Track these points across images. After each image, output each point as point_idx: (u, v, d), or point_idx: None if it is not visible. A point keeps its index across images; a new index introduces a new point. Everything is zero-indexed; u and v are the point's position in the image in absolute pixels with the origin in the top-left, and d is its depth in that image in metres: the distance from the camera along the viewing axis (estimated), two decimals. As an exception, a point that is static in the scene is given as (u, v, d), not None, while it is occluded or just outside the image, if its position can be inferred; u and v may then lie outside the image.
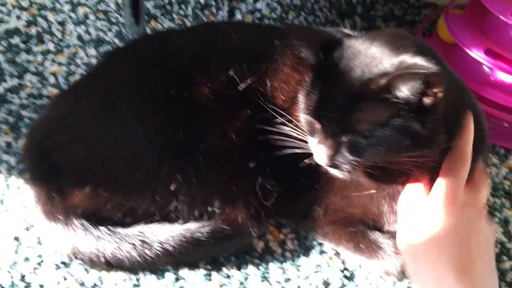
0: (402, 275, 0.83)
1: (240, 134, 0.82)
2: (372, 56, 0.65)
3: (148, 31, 1.22)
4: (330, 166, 0.68)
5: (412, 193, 0.72)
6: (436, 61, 0.63)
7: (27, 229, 0.85)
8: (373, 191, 0.77)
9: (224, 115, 0.82)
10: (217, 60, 0.86)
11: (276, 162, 0.80)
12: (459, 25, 1.16)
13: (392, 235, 0.82)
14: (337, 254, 0.89)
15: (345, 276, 0.86)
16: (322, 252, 0.89)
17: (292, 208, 0.87)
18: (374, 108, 0.63)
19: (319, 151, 0.68)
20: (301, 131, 0.74)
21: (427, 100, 0.62)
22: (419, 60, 0.61)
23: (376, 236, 0.83)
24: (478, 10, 1.15)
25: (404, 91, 0.61)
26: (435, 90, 0.61)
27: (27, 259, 0.82)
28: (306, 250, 0.89)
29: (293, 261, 0.87)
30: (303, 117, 0.72)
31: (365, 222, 0.84)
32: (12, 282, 0.79)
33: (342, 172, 0.70)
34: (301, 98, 0.72)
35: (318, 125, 0.68)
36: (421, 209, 0.70)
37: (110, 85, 0.85)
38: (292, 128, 0.76)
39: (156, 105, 0.82)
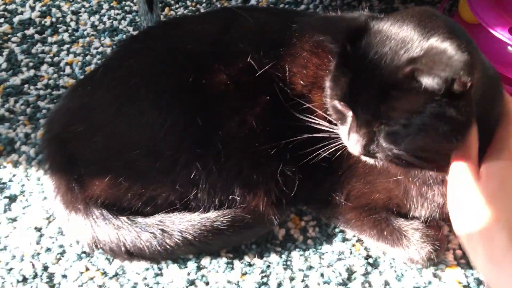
0: (427, 262, 0.81)
1: (259, 121, 0.80)
2: (401, 41, 0.61)
3: (162, 18, 1.21)
4: (364, 155, 0.66)
5: (463, 174, 0.66)
6: (467, 43, 0.60)
7: (48, 219, 0.86)
8: (401, 176, 0.75)
9: (243, 102, 0.81)
10: (234, 46, 0.84)
11: (297, 148, 0.78)
12: (482, 4, 1.12)
13: (420, 221, 0.81)
14: (360, 241, 0.87)
15: (369, 263, 0.84)
16: (345, 239, 0.87)
17: (314, 194, 0.86)
18: (407, 96, 0.60)
19: (352, 140, 0.65)
20: (322, 116, 0.73)
21: (456, 87, 0.59)
22: (448, 46, 0.56)
23: (400, 223, 0.82)
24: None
25: (428, 82, 0.58)
26: (463, 80, 0.57)
27: (49, 249, 0.82)
28: (328, 237, 0.88)
29: (315, 248, 0.86)
30: (331, 105, 0.69)
31: (389, 208, 0.82)
32: (35, 273, 0.79)
33: (376, 161, 0.68)
34: (328, 85, 0.70)
35: (350, 114, 0.66)
36: (473, 193, 0.64)
37: (127, 74, 0.84)
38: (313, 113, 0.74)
39: (174, 93, 0.81)
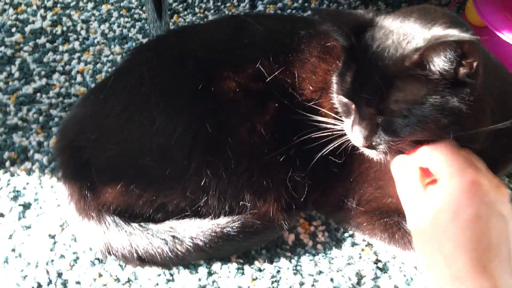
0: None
1: (268, 127, 0.81)
2: (404, 33, 0.63)
3: (171, 26, 1.22)
4: (366, 147, 0.67)
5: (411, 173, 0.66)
6: (468, 30, 0.61)
7: (62, 227, 0.87)
8: None
9: (252, 109, 0.82)
10: (243, 53, 0.85)
11: (307, 154, 0.79)
12: (489, 7, 1.12)
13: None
14: (369, 245, 0.88)
15: (378, 268, 0.85)
16: (354, 244, 0.88)
17: (324, 199, 0.87)
18: (410, 86, 0.61)
19: (355, 132, 0.67)
20: (332, 120, 0.74)
21: (462, 70, 0.60)
22: (451, 31, 0.59)
23: None
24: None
25: (438, 63, 0.59)
26: (470, 60, 0.59)
27: (62, 256, 0.83)
28: (337, 242, 0.88)
29: (325, 253, 0.87)
30: (337, 99, 0.71)
31: (401, 212, 0.83)
32: (49, 280, 0.80)
33: (378, 154, 0.68)
34: (334, 80, 0.72)
35: (353, 107, 0.67)
36: (427, 198, 0.64)
37: (137, 82, 0.85)
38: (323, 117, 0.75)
39: (184, 100, 0.82)
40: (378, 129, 0.65)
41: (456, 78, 0.60)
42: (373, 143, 0.66)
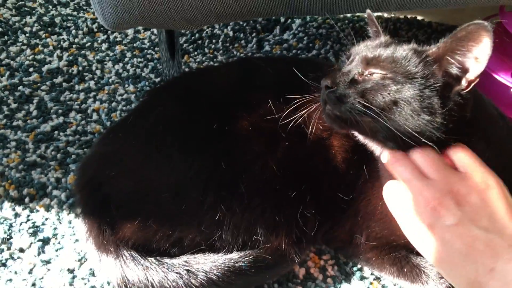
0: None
1: (280, 164, 0.85)
2: None
3: (182, 66, 1.28)
4: (332, 97, 0.73)
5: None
6: None
7: (80, 261, 0.89)
8: None
9: (265, 147, 0.85)
10: (255, 94, 0.90)
11: (317, 190, 0.82)
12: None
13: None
14: (378, 279, 0.90)
15: (387, 301, 0.87)
16: (362, 277, 0.90)
17: (334, 235, 0.90)
18: (403, 60, 0.72)
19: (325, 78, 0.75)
20: (342, 160, 0.77)
21: (462, 84, 0.68)
22: None
23: (419, 260, 0.85)
24: (501, 34, 1.17)
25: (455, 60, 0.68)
26: (473, 77, 0.68)
27: (81, 290, 0.85)
28: (346, 276, 0.91)
29: (334, 287, 0.89)
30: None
31: (409, 247, 0.85)
32: (68, 313, 0.82)
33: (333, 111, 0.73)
34: None
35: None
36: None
37: (155, 122, 0.89)
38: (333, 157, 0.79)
39: (199, 139, 0.86)
40: (349, 83, 0.72)
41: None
42: (339, 92, 0.71)
